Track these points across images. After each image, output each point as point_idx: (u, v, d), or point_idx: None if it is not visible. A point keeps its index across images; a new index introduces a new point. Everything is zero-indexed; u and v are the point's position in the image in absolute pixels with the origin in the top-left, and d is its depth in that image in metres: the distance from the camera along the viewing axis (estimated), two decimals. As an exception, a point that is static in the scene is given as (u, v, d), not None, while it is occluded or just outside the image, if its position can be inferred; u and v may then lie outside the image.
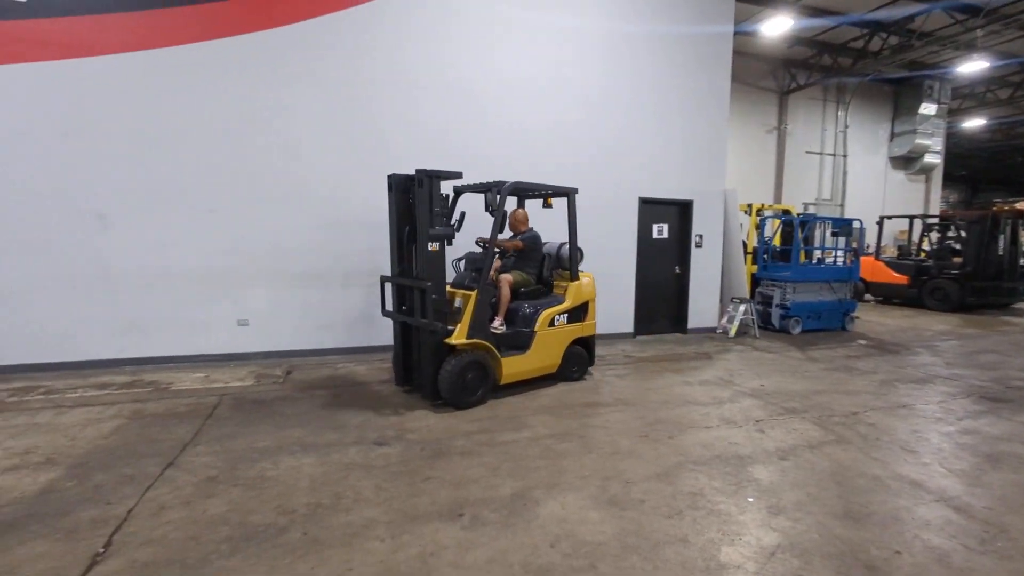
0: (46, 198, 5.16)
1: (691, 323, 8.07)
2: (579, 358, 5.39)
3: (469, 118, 6.52)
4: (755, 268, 9.19)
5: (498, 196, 4.47)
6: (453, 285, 4.84)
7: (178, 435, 3.77)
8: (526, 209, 5.53)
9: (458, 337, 4.37)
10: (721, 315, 8.33)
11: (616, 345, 7.20)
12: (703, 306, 8.13)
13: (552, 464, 3.44)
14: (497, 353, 4.62)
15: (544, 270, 5.35)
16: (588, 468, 3.39)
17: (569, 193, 5.27)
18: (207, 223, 5.66)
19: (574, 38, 6.97)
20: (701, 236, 7.99)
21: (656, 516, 2.83)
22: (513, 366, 4.76)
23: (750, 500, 3.04)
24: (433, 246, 4.29)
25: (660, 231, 7.81)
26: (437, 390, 4.37)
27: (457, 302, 4.75)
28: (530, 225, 5.37)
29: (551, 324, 5.02)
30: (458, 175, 4.45)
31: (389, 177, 4.53)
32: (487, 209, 4.54)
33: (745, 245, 9.82)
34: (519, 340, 4.88)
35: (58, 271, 5.24)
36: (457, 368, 4.31)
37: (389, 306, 4.85)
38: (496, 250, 4.82)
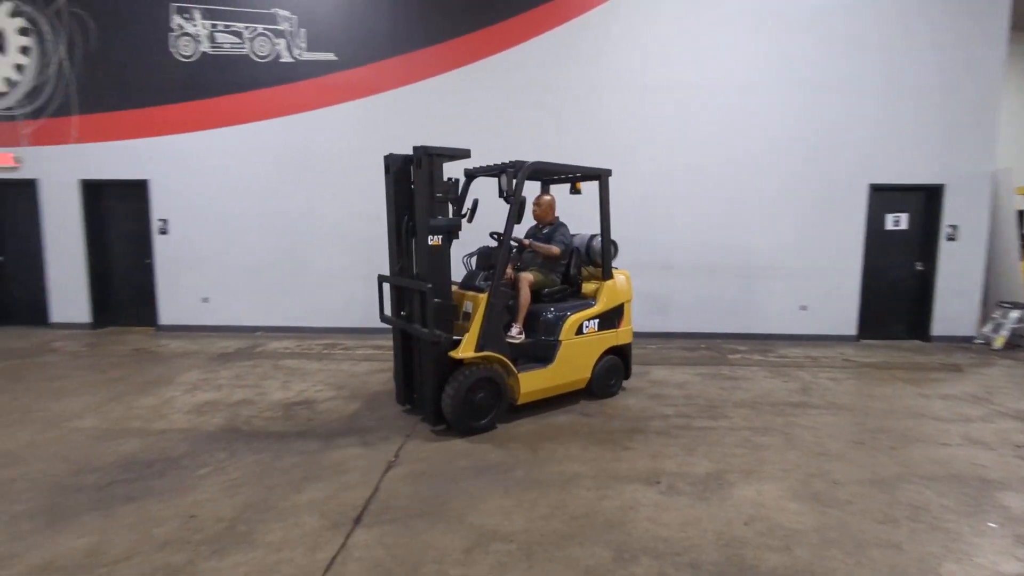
0: (345, 203, 6.96)
1: (936, 330, 6.86)
2: (615, 370, 4.64)
3: (677, 114, 6.66)
4: (1041, 266, 7.30)
5: (514, 180, 3.82)
6: (461, 286, 4.18)
7: (430, 388, 4.86)
8: (552, 195, 4.71)
9: (466, 349, 3.70)
10: (983, 322, 6.88)
11: (833, 347, 6.56)
12: (955, 310, 6.83)
13: (750, 454, 3.52)
14: (513, 368, 3.92)
15: (571, 267, 4.55)
16: (790, 463, 3.39)
17: (601, 175, 4.46)
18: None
19: (786, 12, 6.51)
20: (955, 227, 6.71)
21: (865, 519, 2.76)
22: (533, 382, 4.07)
23: (991, 525, 2.72)
24: (434, 240, 3.61)
25: (896, 221, 6.81)
26: (439, 412, 3.76)
27: (466, 306, 4.04)
28: (557, 214, 4.63)
29: (579, 331, 4.32)
30: (465, 154, 3.77)
31: (386, 158, 3.94)
32: (501, 195, 3.89)
33: (1026, 238, 7.83)
34: (540, 351, 4.17)
35: (354, 260, 6.99)
36: (464, 387, 3.64)
37: (390, 310, 4.21)
38: (513, 244, 4.16)
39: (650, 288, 6.76)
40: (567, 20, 6.62)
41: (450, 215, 3.82)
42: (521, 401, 4.07)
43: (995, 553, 2.50)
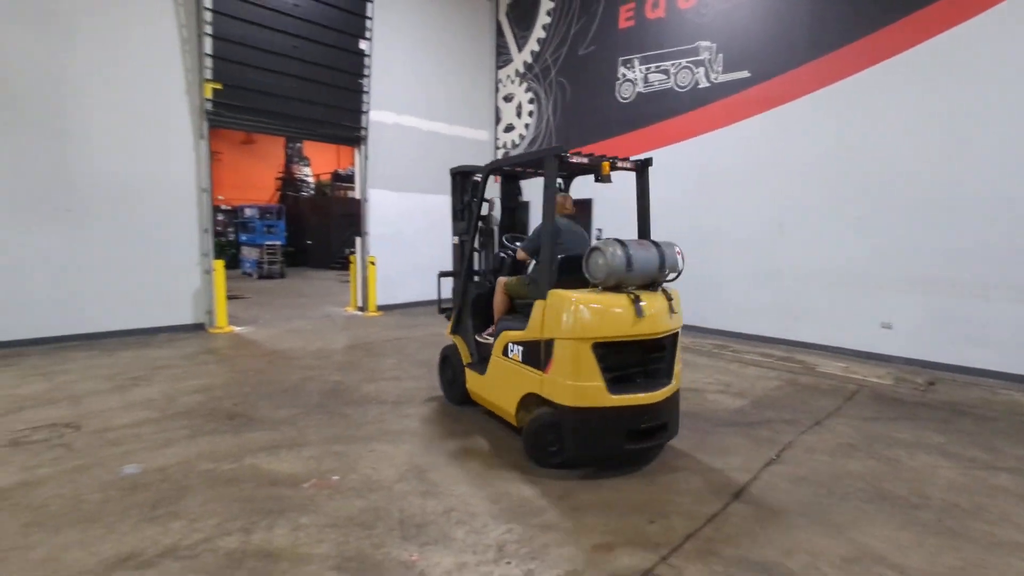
0: (744, 212, 7.24)
1: None
2: (557, 432, 3.27)
3: None
4: None
5: (466, 187, 4.50)
6: None
7: (823, 405, 4.69)
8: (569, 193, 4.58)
9: (449, 329, 4.56)
10: None
11: None
12: None
13: None
14: (464, 359, 4.31)
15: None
16: None
17: (544, 156, 3.56)
18: (853, 230, 6.30)
19: None
20: None
21: None
22: (473, 382, 4.20)
23: None
24: (455, 239, 4.69)
25: None
26: None
27: None
28: (568, 214, 4.33)
29: (505, 352, 3.75)
30: (471, 168, 4.49)
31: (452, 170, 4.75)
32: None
33: None
34: (486, 357, 4.03)
35: (751, 266, 7.27)
36: (441, 356, 4.64)
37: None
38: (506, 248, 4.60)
39: None
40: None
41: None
42: (472, 397, 4.28)
43: None
